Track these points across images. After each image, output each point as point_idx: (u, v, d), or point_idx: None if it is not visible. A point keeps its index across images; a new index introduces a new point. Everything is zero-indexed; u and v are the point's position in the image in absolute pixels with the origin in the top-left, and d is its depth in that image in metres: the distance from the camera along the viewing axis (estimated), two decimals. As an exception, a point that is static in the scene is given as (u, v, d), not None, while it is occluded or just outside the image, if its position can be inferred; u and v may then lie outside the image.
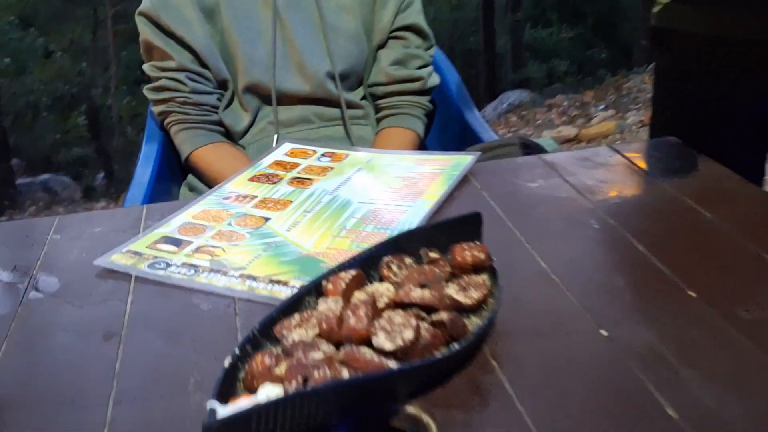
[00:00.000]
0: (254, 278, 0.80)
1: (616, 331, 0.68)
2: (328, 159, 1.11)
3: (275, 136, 1.43)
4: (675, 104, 1.27)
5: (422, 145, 1.53)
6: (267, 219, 0.92)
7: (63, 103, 4.47)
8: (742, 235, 0.82)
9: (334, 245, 0.86)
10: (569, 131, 4.39)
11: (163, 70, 1.40)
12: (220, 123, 1.43)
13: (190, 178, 1.43)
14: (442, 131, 1.69)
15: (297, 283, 0.78)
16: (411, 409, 0.62)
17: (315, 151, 1.14)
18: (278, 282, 0.79)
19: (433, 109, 1.55)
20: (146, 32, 1.40)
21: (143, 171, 1.36)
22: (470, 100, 1.65)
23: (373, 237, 0.87)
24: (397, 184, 1.01)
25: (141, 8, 1.40)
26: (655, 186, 0.98)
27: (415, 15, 1.50)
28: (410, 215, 0.92)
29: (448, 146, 1.57)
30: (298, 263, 0.83)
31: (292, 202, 0.97)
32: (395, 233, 0.85)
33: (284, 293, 0.76)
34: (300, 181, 1.03)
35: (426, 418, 0.61)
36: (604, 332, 0.69)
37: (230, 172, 1.09)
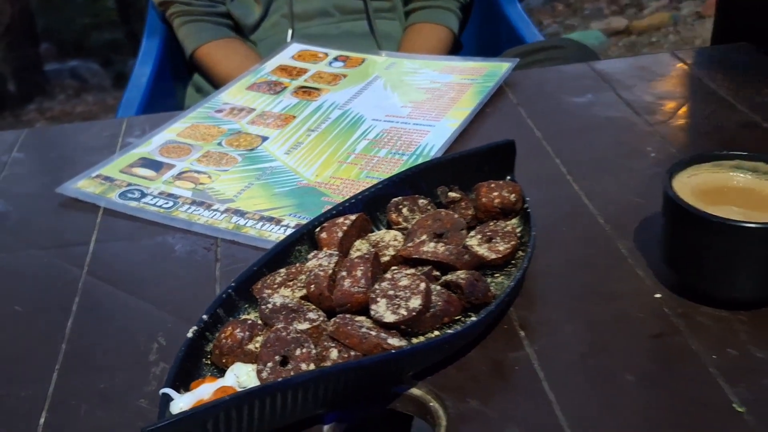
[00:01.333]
0: (242, 214, 0.67)
1: (672, 297, 0.55)
2: (341, 64, 0.96)
3: (289, 31, 1.27)
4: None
5: (457, 45, 1.36)
6: (264, 138, 0.79)
7: (93, -16, 4.30)
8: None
9: (340, 174, 0.73)
10: (619, 22, 4.09)
11: None
12: (228, 15, 1.28)
13: (197, 77, 1.29)
14: (480, 29, 1.51)
15: (292, 222, 0.66)
16: (417, 391, 0.50)
17: (326, 54, 0.98)
18: (270, 219, 0.66)
19: (469, 2, 1.37)
20: None
21: (141, 71, 1.22)
22: (513, -9, 1.47)
23: (386, 164, 0.74)
24: (419, 97, 0.86)
25: None
26: (724, 105, 0.82)
27: None
28: (432, 137, 0.78)
29: (486, 48, 1.41)
30: (295, 196, 0.70)
31: (295, 117, 0.83)
32: (411, 162, 0.71)
33: (275, 235, 0.64)
34: (306, 92, 0.89)
35: (434, 405, 0.49)
36: (658, 295, 0.55)
37: (239, 74, 0.96)
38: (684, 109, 0.81)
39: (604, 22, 4.41)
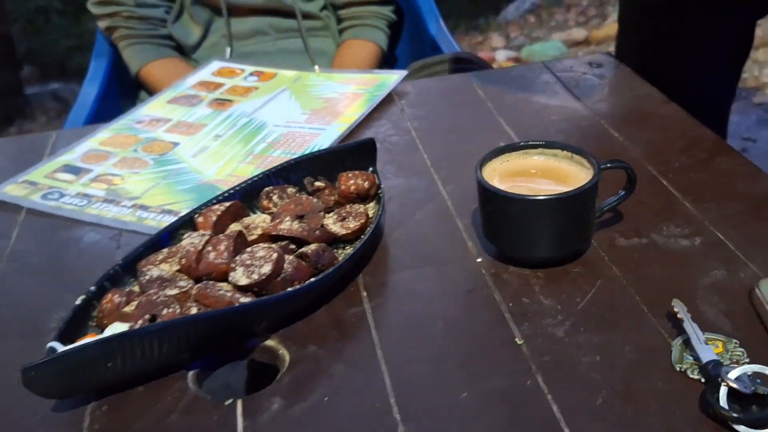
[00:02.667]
0: (146, 208, 0.78)
1: (489, 261, 0.66)
2: (255, 78, 1.07)
3: (227, 49, 1.39)
4: (640, 24, 1.20)
5: (386, 57, 1.48)
6: (176, 144, 0.90)
7: (74, 6, 4.39)
8: (646, 157, 0.79)
9: (237, 172, 0.84)
10: (579, 34, 4.23)
11: None
12: (169, 37, 1.39)
13: (143, 95, 1.40)
14: (412, 43, 1.63)
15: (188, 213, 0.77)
16: (269, 342, 0.61)
17: (243, 70, 1.10)
18: (169, 212, 0.77)
19: (397, 20, 1.49)
20: None
21: (88, 90, 1.33)
22: (436, 11, 1.58)
23: (278, 162, 0.84)
24: (317, 105, 0.97)
25: None
26: (570, 105, 0.93)
27: None
28: (321, 139, 0.89)
29: (416, 58, 1.52)
30: (195, 192, 0.81)
31: (206, 125, 0.94)
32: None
33: (174, 224, 0.75)
34: (220, 103, 1.00)
35: (282, 352, 0.60)
36: (479, 260, 0.67)
37: None
38: (532, 110, 0.93)
39: (566, 33, 4.56)
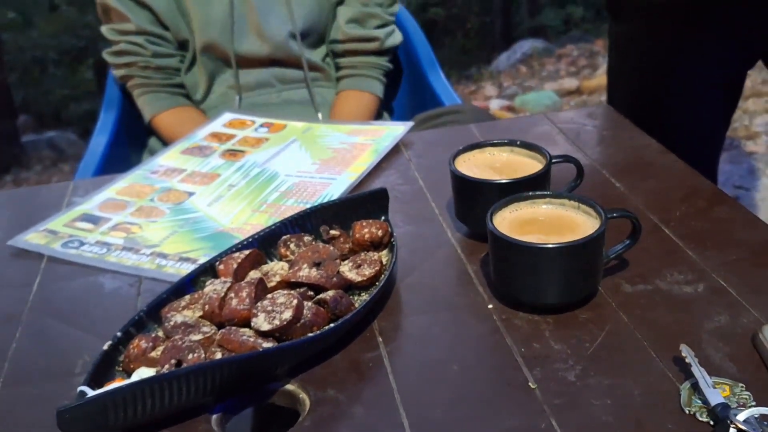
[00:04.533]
0: (164, 256, 0.81)
1: (500, 306, 0.69)
2: (266, 130, 1.10)
3: (237, 98, 1.43)
4: (629, 75, 1.25)
5: (382, 107, 1.52)
6: (191, 194, 0.93)
7: (70, 57, 4.44)
8: (647, 207, 0.82)
9: (252, 220, 0.87)
10: (571, 83, 4.32)
11: (123, 33, 1.39)
12: (183, 86, 1.43)
13: (152, 143, 1.43)
14: (412, 94, 1.67)
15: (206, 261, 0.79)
16: (289, 386, 0.63)
17: (254, 122, 1.13)
18: (187, 260, 0.80)
19: (393, 69, 1.53)
20: None
21: (98, 140, 1.36)
22: (435, 61, 1.63)
23: (292, 211, 0.87)
24: (327, 156, 1.01)
25: None
26: (572, 156, 0.97)
27: None
28: (333, 188, 0.92)
29: (417, 109, 1.56)
30: (212, 240, 0.83)
31: (219, 175, 0.97)
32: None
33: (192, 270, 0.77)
34: (232, 154, 1.03)
35: (302, 396, 0.62)
36: (491, 306, 0.69)
37: None
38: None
39: (558, 83, 4.65)
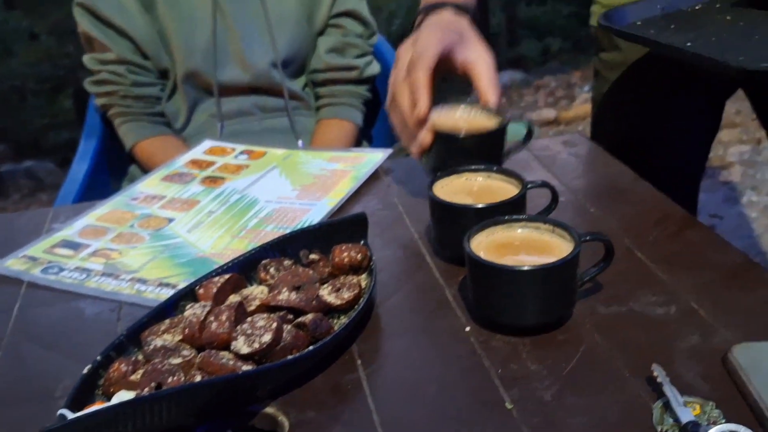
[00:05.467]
0: (144, 281, 0.81)
1: (478, 329, 0.70)
2: (246, 157, 1.12)
3: (218, 126, 1.44)
4: (613, 104, 1.27)
5: (362, 135, 1.54)
6: (171, 220, 0.94)
7: (49, 86, 4.43)
8: (621, 231, 0.84)
9: (232, 246, 0.87)
10: (549, 114, 4.38)
11: (103, 62, 1.40)
12: (163, 114, 1.44)
13: (132, 171, 1.44)
14: (388, 123, 1.69)
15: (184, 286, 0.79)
16: (269, 409, 0.63)
17: (234, 149, 1.14)
18: (167, 285, 0.80)
19: (372, 98, 1.55)
20: (84, 23, 1.40)
21: (78, 168, 1.37)
22: (414, 90, 1.65)
23: (272, 237, 0.88)
24: (307, 182, 1.02)
25: None
26: (550, 181, 0.99)
27: (355, 1, 1.49)
28: (313, 214, 0.93)
29: (395, 137, 1.58)
30: (192, 265, 0.84)
31: (199, 201, 0.98)
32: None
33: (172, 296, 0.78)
34: (212, 180, 1.04)
35: (281, 418, 0.63)
36: (468, 328, 0.70)
37: None
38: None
39: (536, 114, 4.71)
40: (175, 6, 1.39)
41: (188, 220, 0.93)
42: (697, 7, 1.02)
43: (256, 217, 0.93)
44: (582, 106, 4.49)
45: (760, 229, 2.33)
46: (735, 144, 3.02)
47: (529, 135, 0.96)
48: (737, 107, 3.26)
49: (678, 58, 0.96)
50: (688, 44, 0.89)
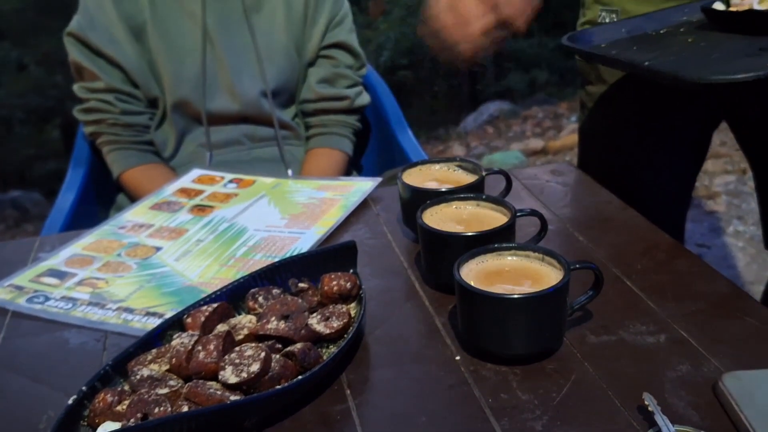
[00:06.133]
0: (131, 311, 0.80)
1: (468, 358, 0.69)
2: (235, 185, 1.11)
3: (207, 155, 1.44)
4: (600, 135, 1.28)
5: (351, 164, 1.54)
6: (159, 249, 0.93)
7: (37, 117, 4.43)
8: (610, 259, 0.84)
9: (220, 275, 0.87)
10: (536, 144, 4.41)
11: (93, 91, 1.40)
12: (152, 143, 1.44)
13: (120, 200, 1.43)
14: (380, 151, 1.70)
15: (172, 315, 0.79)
16: (258, 441, 0.63)
17: (223, 177, 1.14)
18: (154, 314, 0.79)
19: (362, 128, 1.56)
20: (74, 53, 1.40)
21: (65, 197, 1.36)
22: (404, 121, 1.67)
23: (260, 265, 0.87)
24: (296, 211, 1.02)
25: (69, 28, 1.41)
26: (539, 209, 0.99)
27: (345, 33, 1.51)
28: (301, 242, 0.93)
29: (385, 166, 1.58)
30: (179, 294, 0.83)
31: (187, 230, 0.98)
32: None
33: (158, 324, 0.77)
34: (201, 209, 1.04)
35: (270, 450, 0.62)
36: (458, 357, 0.70)
37: None
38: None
39: (524, 143, 4.74)
40: (165, 36, 1.40)
41: (176, 249, 0.93)
42: (662, 31, 1.04)
43: (244, 246, 0.93)
44: (569, 136, 4.53)
45: (747, 259, 2.34)
46: (721, 174, 3.04)
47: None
48: (722, 138, 3.29)
49: (635, 74, 0.96)
50: (646, 63, 0.90)
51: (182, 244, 0.94)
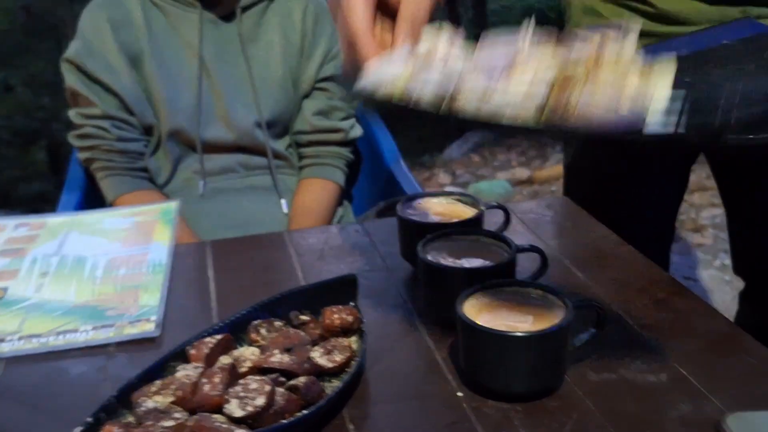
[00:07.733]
0: (37, 336, 0.80)
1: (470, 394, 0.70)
2: (26, 228, 1.07)
3: (201, 183, 1.44)
4: (584, 169, 1.31)
5: (344, 194, 1.55)
6: (5, 289, 0.91)
7: (23, 138, 4.42)
8: (609, 296, 0.85)
9: (103, 291, 0.88)
10: (522, 173, 4.43)
11: (88, 117, 1.41)
12: (146, 169, 1.44)
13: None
14: (372, 181, 1.71)
15: (88, 328, 0.81)
16: (261, 475, 0.62)
17: (5, 225, 1.08)
18: (68, 331, 0.81)
19: (355, 160, 1.57)
20: (71, 79, 1.41)
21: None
22: (397, 152, 1.68)
23: (132, 277, 0.91)
24: (120, 236, 1.03)
25: (66, 55, 1.41)
26: (536, 244, 1.00)
27: (340, 67, 1.52)
28: (154, 255, 0.96)
29: (376, 196, 1.60)
30: (76, 313, 0.84)
31: (18, 269, 0.95)
32: (152, 273, 0.90)
33: (81, 338, 0.80)
34: (14, 252, 1.00)
35: (274, 486, 0.62)
36: (460, 393, 0.70)
37: None
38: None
39: (510, 173, 4.76)
40: (162, 65, 1.41)
41: (25, 285, 0.91)
42: None
43: (98, 268, 0.94)
44: (555, 166, 4.56)
45: (733, 293, 2.36)
46: (707, 207, 3.07)
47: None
48: (707, 172, 3.34)
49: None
50: None
51: (28, 279, 0.92)
